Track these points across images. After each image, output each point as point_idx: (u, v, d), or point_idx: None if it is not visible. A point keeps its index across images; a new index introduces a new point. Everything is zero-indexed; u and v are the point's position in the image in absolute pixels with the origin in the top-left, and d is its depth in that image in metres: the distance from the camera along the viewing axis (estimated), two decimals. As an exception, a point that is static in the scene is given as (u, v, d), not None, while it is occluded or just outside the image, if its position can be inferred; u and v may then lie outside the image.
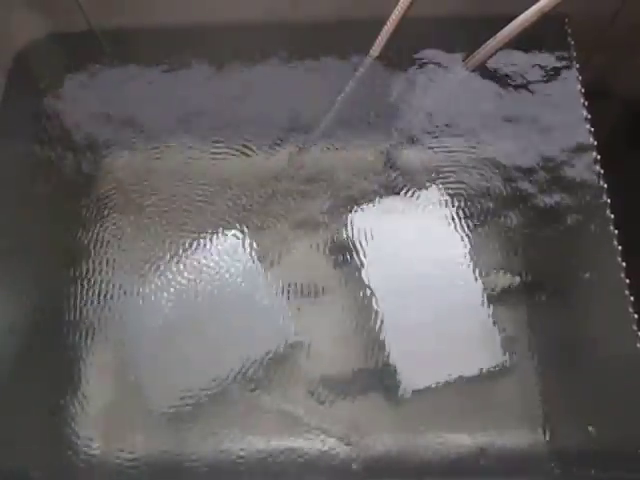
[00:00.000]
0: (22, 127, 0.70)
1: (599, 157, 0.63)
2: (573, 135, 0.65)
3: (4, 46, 0.71)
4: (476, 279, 0.61)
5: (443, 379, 0.59)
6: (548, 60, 0.69)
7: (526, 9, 0.60)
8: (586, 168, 0.64)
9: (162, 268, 0.63)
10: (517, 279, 0.62)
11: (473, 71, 0.68)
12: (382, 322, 0.60)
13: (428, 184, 0.66)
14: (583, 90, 0.66)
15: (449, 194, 0.65)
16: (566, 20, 0.68)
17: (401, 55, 0.69)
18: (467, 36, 0.67)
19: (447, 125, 0.68)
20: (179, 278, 0.63)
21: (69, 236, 0.66)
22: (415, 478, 0.58)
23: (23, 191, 0.68)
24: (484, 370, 0.59)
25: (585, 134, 0.65)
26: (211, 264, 0.63)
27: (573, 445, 0.57)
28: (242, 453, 0.58)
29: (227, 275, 0.63)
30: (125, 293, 0.63)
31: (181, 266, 0.63)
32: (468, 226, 0.64)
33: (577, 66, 0.68)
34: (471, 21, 0.67)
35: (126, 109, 0.71)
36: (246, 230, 0.65)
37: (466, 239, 0.63)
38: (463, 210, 0.64)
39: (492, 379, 0.59)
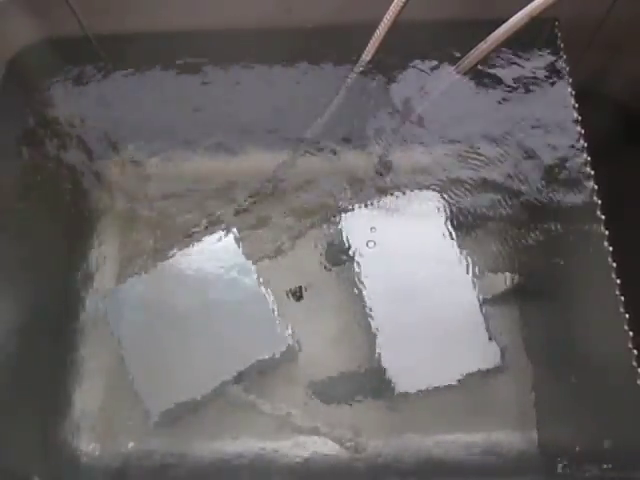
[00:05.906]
0: (16, 131, 0.71)
1: (589, 158, 0.64)
2: (564, 137, 0.66)
3: (-2, 51, 0.72)
4: (469, 281, 0.62)
5: (437, 381, 0.59)
6: (539, 63, 0.69)
7: (516, 13, 0.61)
8: (577, 170, 0.64)
9: (155, 272, 0.64)
10: (510, 281, 0.63)
11: (464, 74, 0.68)
12: (377, 325, 0.61)
13: (420, 188, 0.66)
14: (573, 92, 0.66)
15: (441, 198, 0.65)
16: (556, 23, 0.69)
17: (393, 59, 0.69)
18: (458, 40, 0.67)
19: (439, 128, 0.68)
20: (174, 282, 0.63)
21: (64, 241, 0.67)
22: (411, 477, 0.58)
23: (17, 198, 0.68)
24: (478, 371, 0.59)
25: (575, 136, 0.65)
26: (204, 268, 0.64)
27: (565, 444, 0.58)
28: (239, 456, 0.58)
29: (221, 279, 0.63)
30: (119, 298, 0.63)
31: (175, 270, 0.64)
32: (461, 229, 0.64)
33: (567, 68, 0.68)
34: (462, 25, 0.67)
35: (120, 113, 0.71)
36: (239, 234, 0.65)
37: (459, 242, 0.63)
38: (455, 213, 0.65)
39: (486, 380, 0.60)
